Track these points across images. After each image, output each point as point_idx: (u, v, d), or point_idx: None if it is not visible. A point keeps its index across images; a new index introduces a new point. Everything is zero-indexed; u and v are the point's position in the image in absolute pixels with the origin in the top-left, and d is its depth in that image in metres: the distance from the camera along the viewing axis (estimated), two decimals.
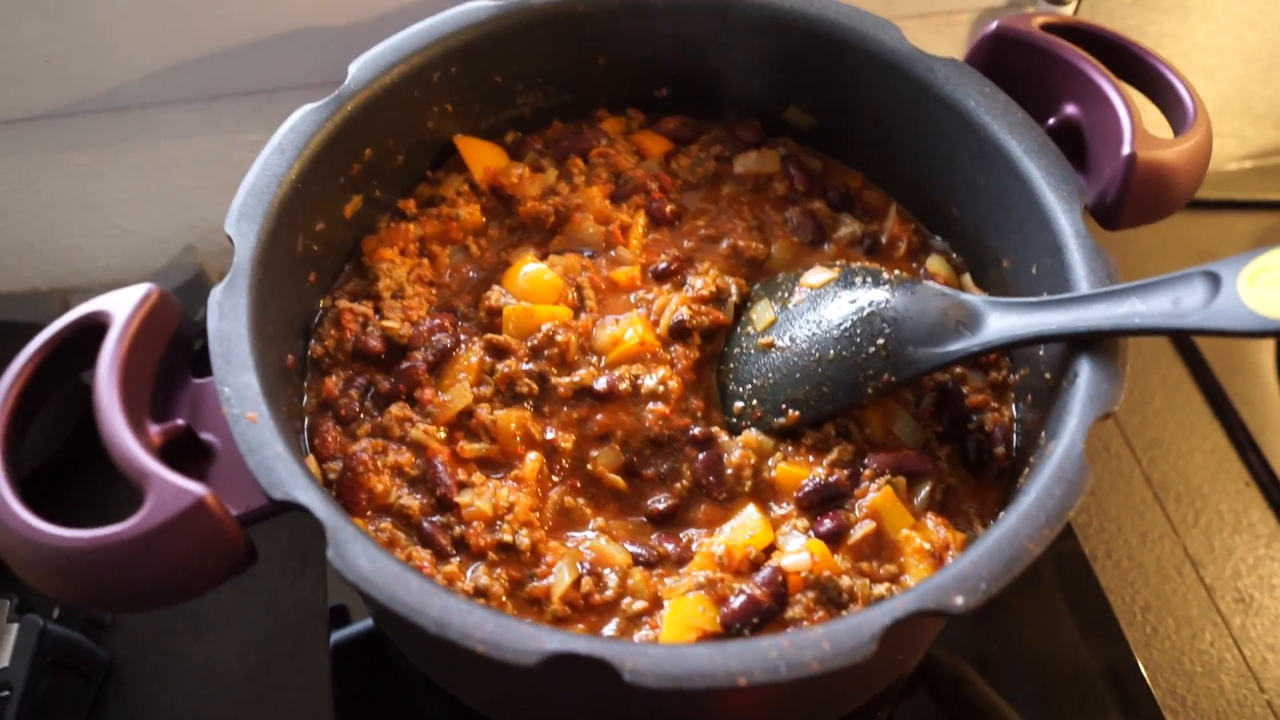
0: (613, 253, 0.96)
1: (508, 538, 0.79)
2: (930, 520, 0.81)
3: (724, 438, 0.86)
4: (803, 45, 0.97)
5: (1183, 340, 1.27)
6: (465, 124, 0.99)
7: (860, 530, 0.80)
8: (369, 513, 0.81)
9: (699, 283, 0.92)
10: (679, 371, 0.88)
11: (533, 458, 0.83)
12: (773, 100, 1.03)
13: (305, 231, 0.86)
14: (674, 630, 0.74)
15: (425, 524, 0.80)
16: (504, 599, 0.77)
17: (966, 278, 0.96)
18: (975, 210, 0.93)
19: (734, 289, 0.93)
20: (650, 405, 0.85)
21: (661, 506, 0.84)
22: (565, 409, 0.86)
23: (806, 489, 0.82)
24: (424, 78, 0.92)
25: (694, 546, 0.81)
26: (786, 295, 0.91)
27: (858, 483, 0.82)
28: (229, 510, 0.65)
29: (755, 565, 0.78)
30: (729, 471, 0.84)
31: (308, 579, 1.03)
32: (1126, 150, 0.81)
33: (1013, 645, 1.01)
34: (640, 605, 0.77)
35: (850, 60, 0.95)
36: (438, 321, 0.90)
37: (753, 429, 0.86)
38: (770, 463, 0.84)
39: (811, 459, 0.84)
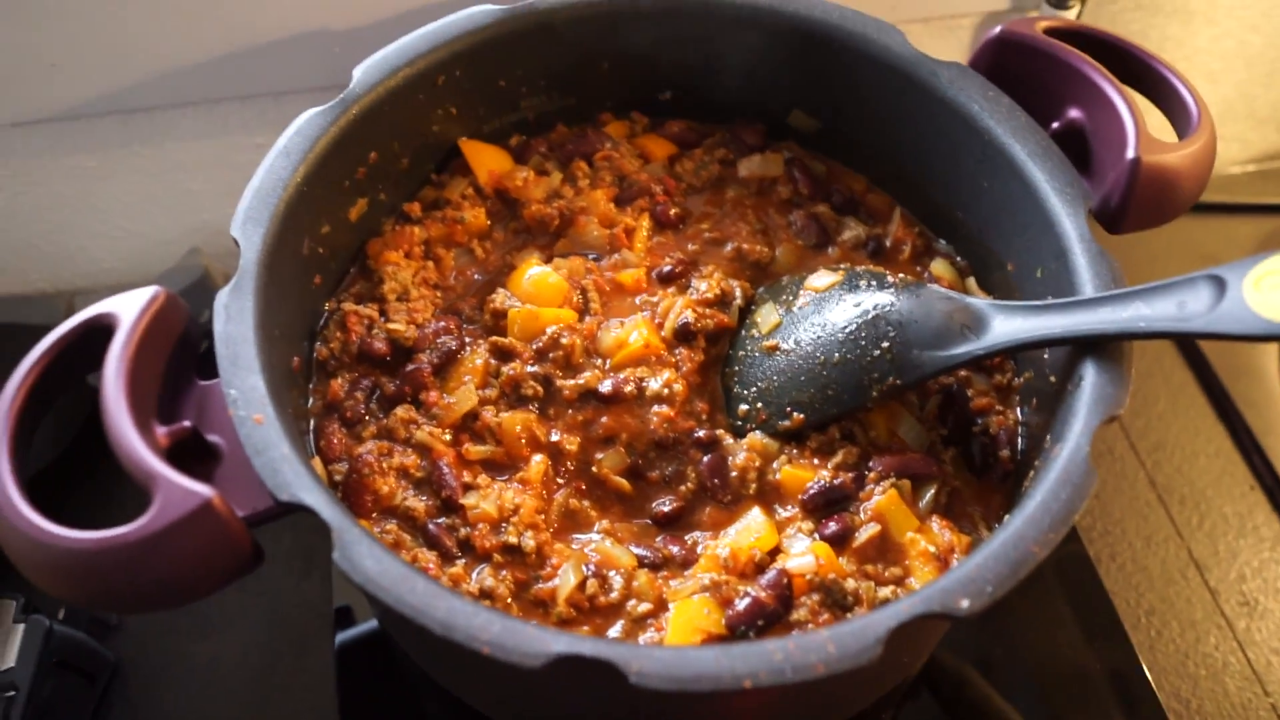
0: (617, 256, 0.96)
1: (513, 540, 0.79)
2: (935, 523, 0.81)
3: (729, 440, 0.86)
4: (806, 49, 0.97)
5: (1187, 343, 1.27)
6: (470, 127, 1.00)
7: (865, 533, 0.80)
8: (374, 514, 0.81)
9: (704, 286, 0.93)
10: (684, 374, 0.88)
11: (538, 460, 0.84)
12: (777, 104, 1.04)
13: (310, 234, 0.86)
14: (679, 632, 0.74)
15: (430, 526, 0.80)
16: (509, 601, 0.77)
17: (971, 281, 0.96)
18: (979, 214, 0.93)
19: (738, 292, 0.94)
20: (655, 408, 0.86)
21: (666, 509, 0.84)
22: (570, 411, 0.86)
23: (811, 492, 0.82)
24: (429, 81, 0.92)
25: (699, 549, 0.81)
26: (791, 298, 0.91)
27: (862, 485, 0.83)
28: (235, 512, 0.65)
29: (760, 568, 0.78)
30: (734, 474, 0.84)
31: (312, 580, 1.03)
32: (1131, 154, 0.81)
33: (1016, 648, 1.01)
34: (645, 607, 0.77)
35: (854, 64, 0.95)
36: (443, 324, 0.90)
37: (757, 432, 0.86)
38: (775, 465, 0.84)
39: (816, 462, 0.84)
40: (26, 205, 1.21)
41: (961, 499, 0.85)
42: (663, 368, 0.88)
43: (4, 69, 1.07)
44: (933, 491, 0.83)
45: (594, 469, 0.85)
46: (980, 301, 0.84)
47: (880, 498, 0.81)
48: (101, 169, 1.19)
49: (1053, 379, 0.81)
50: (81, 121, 1.14)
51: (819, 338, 0.86)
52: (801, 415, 0.85)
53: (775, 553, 0.80)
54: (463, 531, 0.80)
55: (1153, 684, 0.99)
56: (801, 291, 0.91)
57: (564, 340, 0.88)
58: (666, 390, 0.86)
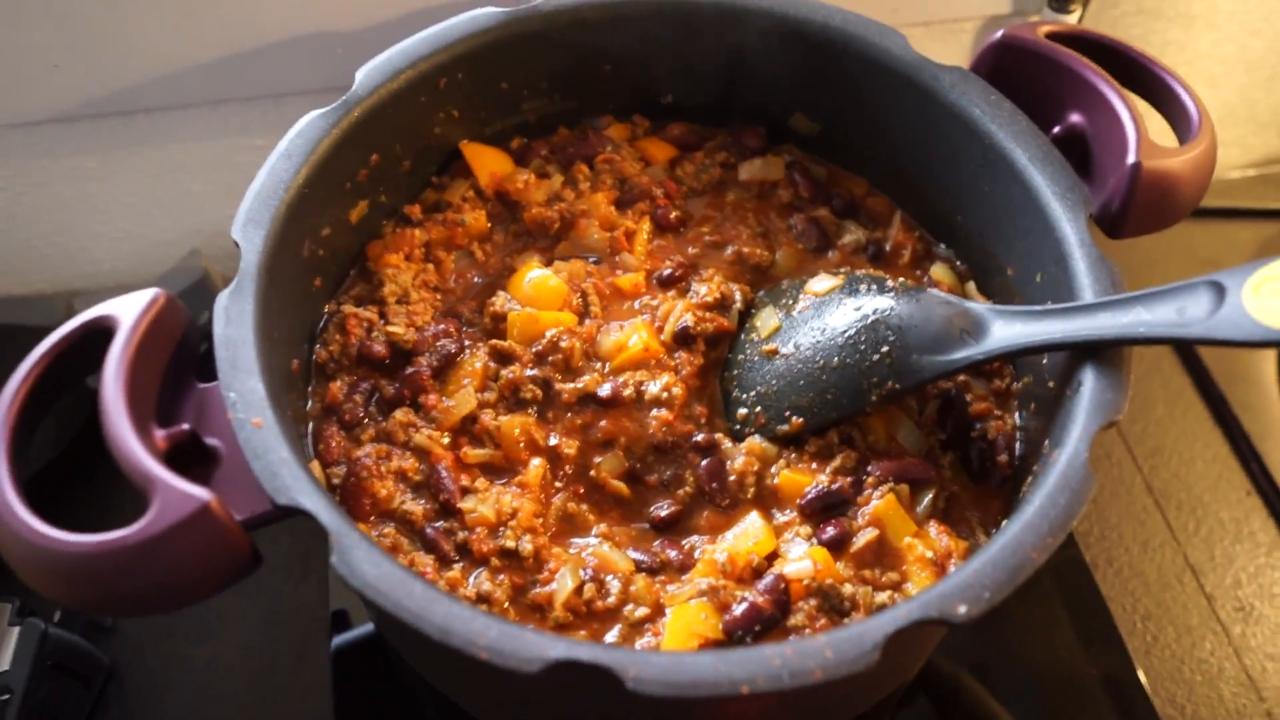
0: (618, 259, 0.96)
1: (511, 544, 0.79)
2: (933, 528, 0.81)
3: (727, 444, 0.86)
4: (808, 52, 0.97)
5: (1185, 348, 1.27)
6: (471, 130, 1.00)
7: (863, 538, 0.80)
8: (372, 518, 0.81)
9: (704, 289, 0.93)
10: (683, 378, 0.88)
11: (536, 464, 0.84)
12: (778, 107, 1.04)
13: (311, 237, 0.86)
14: (676, 637, 0.74)
15: (428, 529, 0.80)
16: (506, 605, 0.77)
17: (971, 285, 0.96)
18: (980, 218, 0.93)
19: (738, 295, 0.94)
20: (654, 412, 0.86)
21: (664, 513, 0.84)
22: (569, 415, 0.86)
23: (809, 496, 0.82)
24: (431, 84, 0.92)
25: (696, 553, 0.81)
26: (791, 302, 0.91)
27: (860, 490, 0.83)
28: (234, 515, 0.65)
29: (758, 572, 0.78)
30: (732, 478, 0.84)
31: (309, 583, 1.03)
32: (1131, 159, 0.81)
33: (1013, 653, 1.01)
34: (643, 612, 0.77)
35: (855, 68, 0.95)
36: (442, 327, 0.90)
37: (756, 436, 0.86)
38: (773, 470, 0.84)
39: (814, 466, 0.84)
40: (27, 206, 1.21)
41: (959, 504, 0.85)
42: (662, 371, 0.88)
43: (5, 70, 1.07)
44: (931, 496, 0.83)
45: (592, 473, 0.85)
46: (980, 306, 0.84)
47: (878, 502, 0.81)
48: (102, 170, 1.19)
49: (1051, 384, 0.81)
50: (82, 122, 1.14)
51: (818, 342, 0.86)
52: (800, 419, 0.85)
53: (773, 557, 0.80)
54: (460, 535, 0.80)
55: (1148, 689, 0.99)
56: (801, 295, 0.91)
57: (563, 344, 0.88)
58: (665, 394, 0.86)
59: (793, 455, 0.85)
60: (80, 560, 0.62)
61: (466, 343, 0.90)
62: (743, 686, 0.60)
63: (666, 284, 0.94)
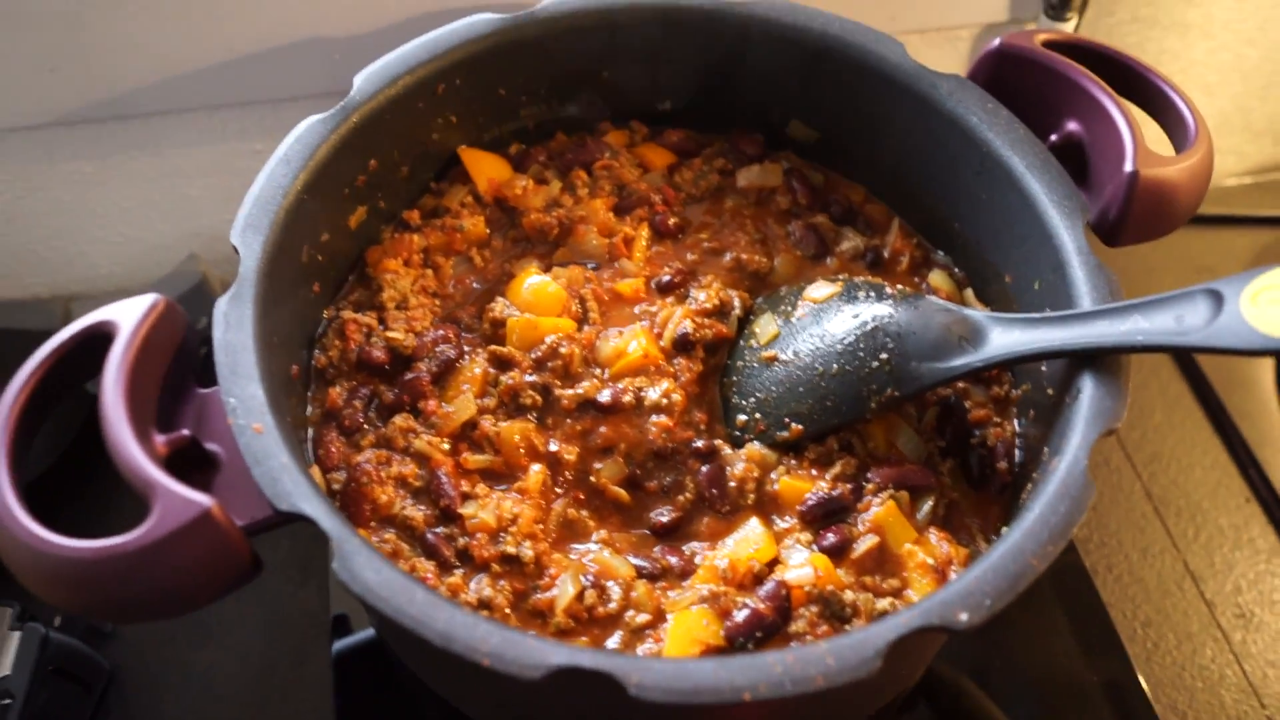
0: (616, 265, 0.96)
1: (511, 550, 0.79)
2: (933, 535, 0.81)
3: (727, 450, 0.86)
4: (805, 60, 0.97)
5: (1183, 355, 1.27)
6: (469, 136, 1.00)
7: (863, 544, 0.80)
8: (373, 524, 0.81)
9: (702, 295, 0.93)
10: (682, 384, 0.88)
11: (536, 470, 0.84)
12: (775, 114, 1.04)
13: (310, 242, 0.86)
14: (677, 644, 0.74)
15: (429, 535, 0.80)
16: (507, 611, 0.77)
17: (969, 292, 0.96)
18: (977, 225, 0.94)
19: (737, 302, 0.94)
20: (653, 418, 0.86)
21: (665, 519, 0.84)
22: (569, 421, 0.86)
23: (810, 503, 0.82)
24: (429, 90, 0.93)
25: (697, 559, 0.81)
26: (789, 309, 0.91)
27: (860, 497, 0.83)
28: (234, 521, 0.65)
29: (758, 579, 0.78)
30: (732, 484, 0.84)
31: (309, 588, 1.03)
32: (1129, 167, 0.82)
33: (1013, 659, 1.01)
34: (644, 618, 0.77)
35: (853, 75, 0.95)
36: (441, 333, 0.90)
37: (756, 442, 0.86)
38: (773, 476, 0.85)
39: (814, 472, 0.84)
40: (25, 210, 1.21)
41: (959, 511, 0.85)
42: (661, 377, 0.88)
43: (3, 73, 1.07)
44: (931, 503, 0.83)
45: (592, 479, 0.85)
46: (978, 313, 0.84)
47: (878, 509, 0.81)
48: (100, 174, 1.19)
49: (1050, 391, 0.81)
50: (80, 127, 1.14)
51: (817, 349, 0.87)
52: (800, 426, 0.85)
53: (773, 564, 0.80)
54: (461, 541, 0.80)
55: (1149, 696, 0.99)
56: (800, 302, 0.91)
57: (563, 350, 0.88)
58: (665, 400, 0.86)
59: (792, 462, 0.85)
60: (82, 566, 0.62)
61: (466, 348, 0.90)
62: (745, 693, 0.60)
63: (665, 290, 0.95)
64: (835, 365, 0.85)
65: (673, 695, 0.60)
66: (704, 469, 0.85)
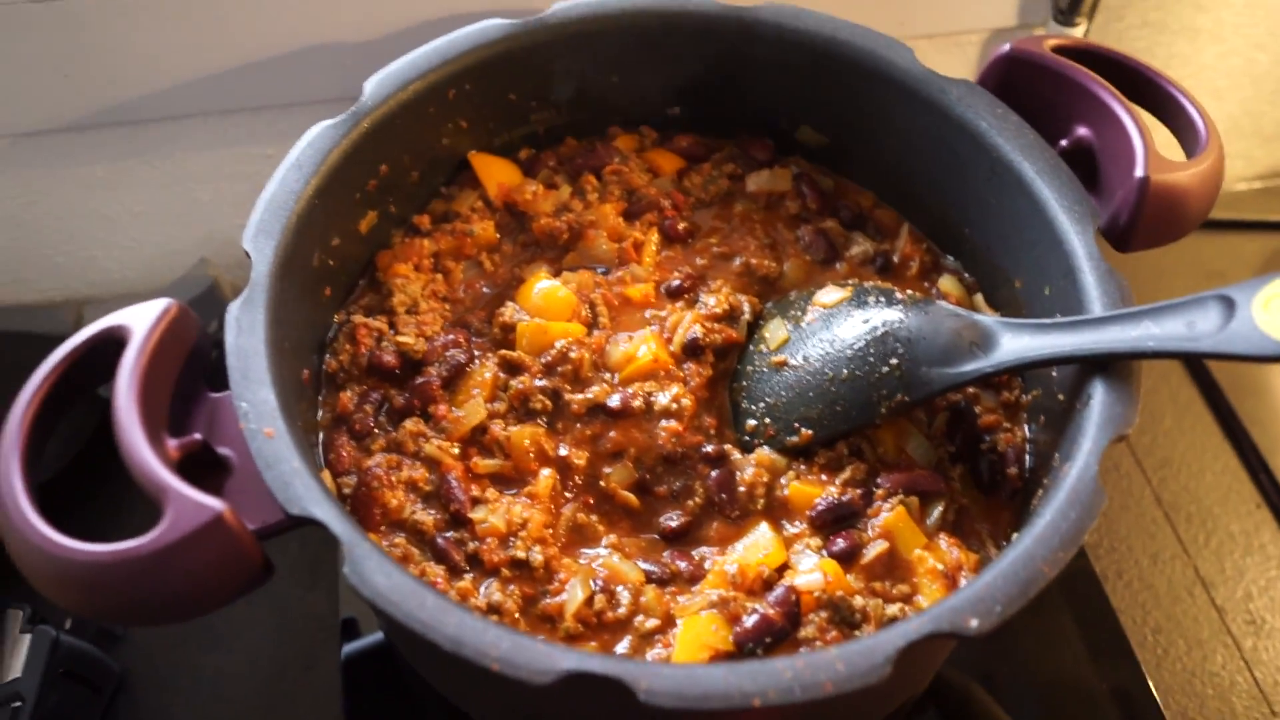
0: (626, 270, 0.96)
1: (521, 554, 0.79)
2: (943, 541, 0.81)
3: (737, 455, 0.86)
4: (815, 65, 0.97)
5: (1194, 361, 1.27)
6: (479, 141, 1.00)
7: (873, 550, 0.80)
8: (383, 528, 0.81)
9: (712, 300, 0.93)
10: (692, 389, 0.88)
11: (546, 474, 0.84)
12: (785, 119, 1.04)
13: (321, 247, 0.87)
14: (687, 649, 0.74)
15: (439, 539, 0.80)
16: (517, 615, 0.77)
17: (979, 298, 0.96)
18: (987, 231, 0.94)
19: (747, 307, 0.94)
20: (663, 422, 0.86)
21: (674, 524, 0.84)
22: (579, 426, 0.86)
23: (819, 508, 0.82)
24: (440, 95, 0.93)
25: (707, 564, 0.81)
26: (799, 314, 0.91)
27: (870, 502, 0.83)
28: (246, 525, 0.65)
29: (768, 584, 0.78)
30: (742, 489, 0.84)
31: (318, 592, 1.03)
32: (1139, 173, 0.81)
33: (1022, 665, 1.01)
34: (653, 623, 0.77)
35: (862, 80, 0.95)
36: (452, 337, 0.90)
37: (765, 447, 0.86)
38: (783, 481, 0.84)
39: (824, 478, 0.84)
40: (37, 215, 1.21)
41: (969, 516, 0.85)
42: (671, 382, 0.88)
43: (16, 79, 1.07)
44: (941, 508, 0.83)
45: (602, 483, 0.85)
46: (989, 319, 0.84)
47: (888, 515, 0.81)
48: (112, 179, 1.19)
49: (1061, 397, 0.81)
50: (92, 132, 1.14)
51: (827, 354, 0.87)
52: (810, 431, 0.85)
53: (783, 569, 0.80)
54: (471, 545, 0.80)
55: (1159, 702, 0.99)
56: (810, 307, 0.91)
57: (572, 354, 0.88)
58: (674, 405, 0.86)
59: (802, 467, 0.85)
60: (94, 570, 0.63)
61: (476, 353, 0.90)
62: (754, 699, 0.60)
63: (675, 295, 0.95)
64: (845, 370, 0.85)
65: (682, 701, 0.60)
66: (713, 474, 0.85)
